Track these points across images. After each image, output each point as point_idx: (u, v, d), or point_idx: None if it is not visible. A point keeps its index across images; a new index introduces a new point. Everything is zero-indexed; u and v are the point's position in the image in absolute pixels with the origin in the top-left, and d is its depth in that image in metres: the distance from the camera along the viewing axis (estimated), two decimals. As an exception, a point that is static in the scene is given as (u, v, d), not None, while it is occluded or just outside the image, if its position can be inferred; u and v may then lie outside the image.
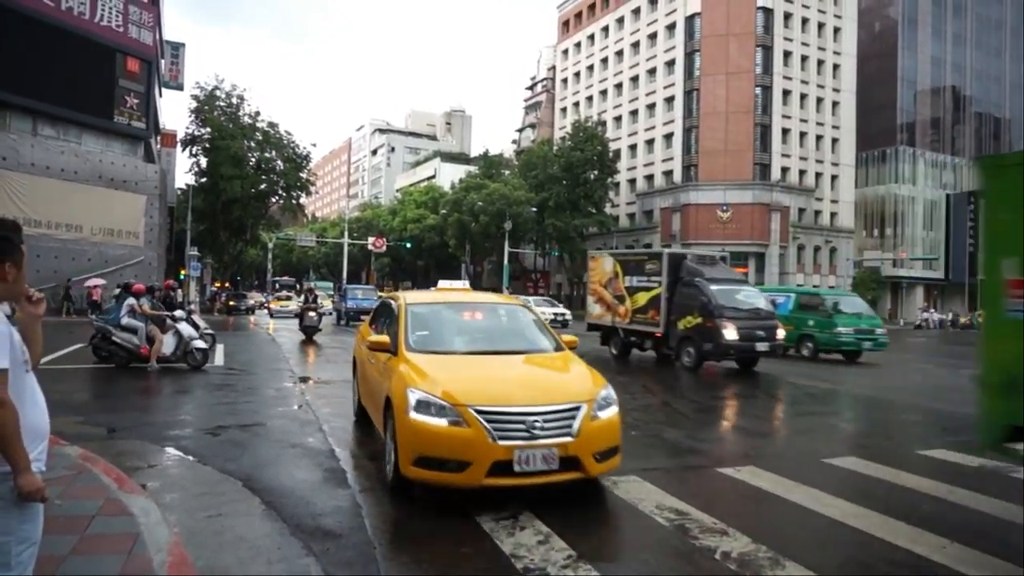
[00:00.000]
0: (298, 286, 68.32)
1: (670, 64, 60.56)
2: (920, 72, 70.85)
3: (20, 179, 27.63)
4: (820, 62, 59.24)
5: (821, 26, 59.39)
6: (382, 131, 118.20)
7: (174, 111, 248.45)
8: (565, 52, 75.14)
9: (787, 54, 57.15)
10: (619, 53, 66.64)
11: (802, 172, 58.34)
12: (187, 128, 45.13)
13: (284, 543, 4.22)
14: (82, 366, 12.32)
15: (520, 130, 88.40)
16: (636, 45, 64.47)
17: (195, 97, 44.41)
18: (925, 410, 10.83)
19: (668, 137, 60.64)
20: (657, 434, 8.25)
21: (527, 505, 4.93)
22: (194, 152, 44.98)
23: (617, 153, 60.80)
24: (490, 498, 4.91)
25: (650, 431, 8.32)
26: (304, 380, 11.72)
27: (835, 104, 60.11)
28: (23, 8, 27.93)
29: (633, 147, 64.25)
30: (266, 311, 41.92)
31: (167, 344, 12.32)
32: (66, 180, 29.18)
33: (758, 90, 56.49)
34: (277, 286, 67.68)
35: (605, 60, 68.49)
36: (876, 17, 69.70)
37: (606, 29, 68.32)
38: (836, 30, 60.23)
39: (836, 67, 60.11)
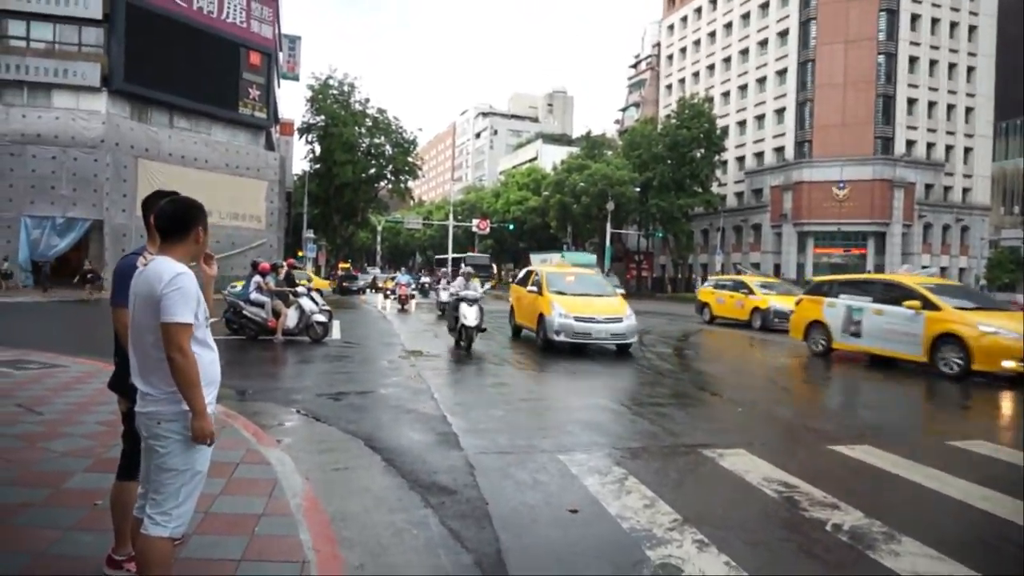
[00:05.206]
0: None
1: (783, 34, 57.65)
2: (1073, 30, 63.92)
3: (161, 168, 30.13)
4: (953, 24, 54.56)
5: (956, -15, 54.69)
6: (485, 114, 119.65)
7: (291, 101, 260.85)
8: (671, 27, 73.07)
9: (915, 17, 53.02)
10: (727, 25, 64.08)
11: (930, 145, 54.19)
12: (303, 116, 47.63)
13: (403, 496, 4.55)
14: (217, 337, 13.40)
15: (623, 109, 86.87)
16: (746, 16, 61.73)
17: (310, 87, 46.73)
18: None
19: (780, 112, 57.91)
20: (764, 409, 8.10)
21: (632, 472, 5.05)
22: (310, 139, 47.43)
23: (725, 130, 58.54)
24: (596, 468, 5.11)
25: (756, 407, 8.16)
26: (415, 353, 12.25)
27: (970, 70, 55.28)
28: (158, 9, 30.33)
29: (742, 123, 61.81)
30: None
31: (290, 318, 13.22)
32: (199, 168, 31.55)
33: (881, 58, 52.81)
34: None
35: (713, 34, 66.06)
36: (1021, -28, 63.37)
37: (714, 1, 65.81)
38: (973, -11, 55.28)
39: (972, 29, 55.19)
